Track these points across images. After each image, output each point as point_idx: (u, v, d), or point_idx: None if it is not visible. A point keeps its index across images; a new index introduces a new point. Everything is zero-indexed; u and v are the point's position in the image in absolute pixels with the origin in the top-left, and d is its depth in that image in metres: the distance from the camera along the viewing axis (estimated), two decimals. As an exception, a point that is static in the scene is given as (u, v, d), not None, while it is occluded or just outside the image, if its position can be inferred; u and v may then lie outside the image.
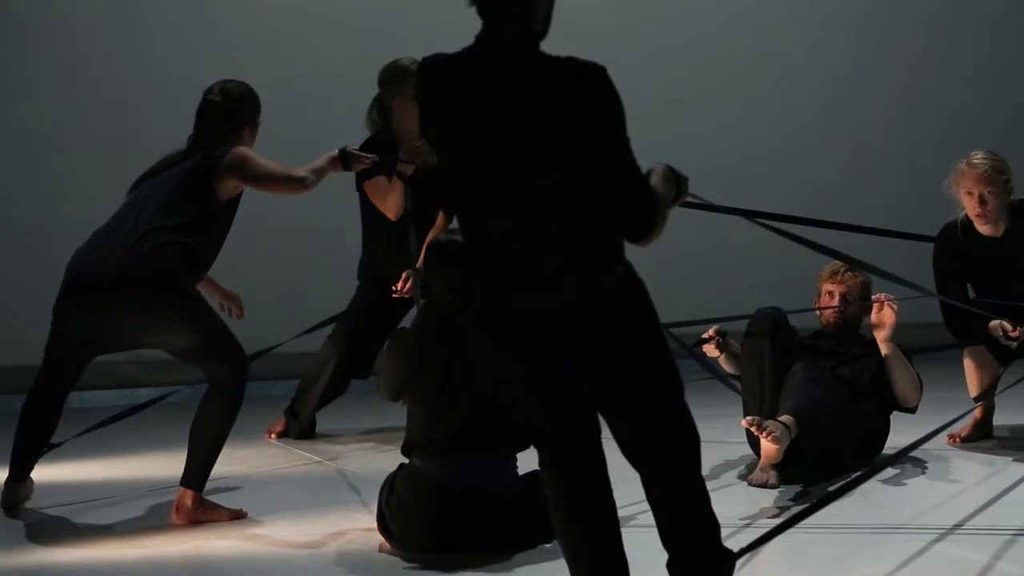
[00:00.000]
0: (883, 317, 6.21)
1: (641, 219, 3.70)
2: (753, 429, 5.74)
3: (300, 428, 7.38)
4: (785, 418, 5.82)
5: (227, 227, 5.74)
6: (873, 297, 6.28)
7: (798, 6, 10.18)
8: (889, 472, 6.03)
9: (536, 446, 3.90)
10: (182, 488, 5.53)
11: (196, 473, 5.53)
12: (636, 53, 9.53)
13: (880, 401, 6.26)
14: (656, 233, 3.73)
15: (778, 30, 10.11)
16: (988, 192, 6.46)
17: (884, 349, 6.22)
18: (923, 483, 5.95)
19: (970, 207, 6.53)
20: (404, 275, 6.81)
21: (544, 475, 3.89)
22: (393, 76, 7.04)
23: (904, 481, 5.96)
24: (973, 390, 6.78)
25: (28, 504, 5.87)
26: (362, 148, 6.80)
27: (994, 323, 6.43)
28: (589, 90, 3.59)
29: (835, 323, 6.43)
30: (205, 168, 5.62)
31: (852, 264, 6.37)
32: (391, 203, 6.92)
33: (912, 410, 6.32)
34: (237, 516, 5.58)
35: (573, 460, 3.85)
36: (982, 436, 6.80)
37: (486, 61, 3.68)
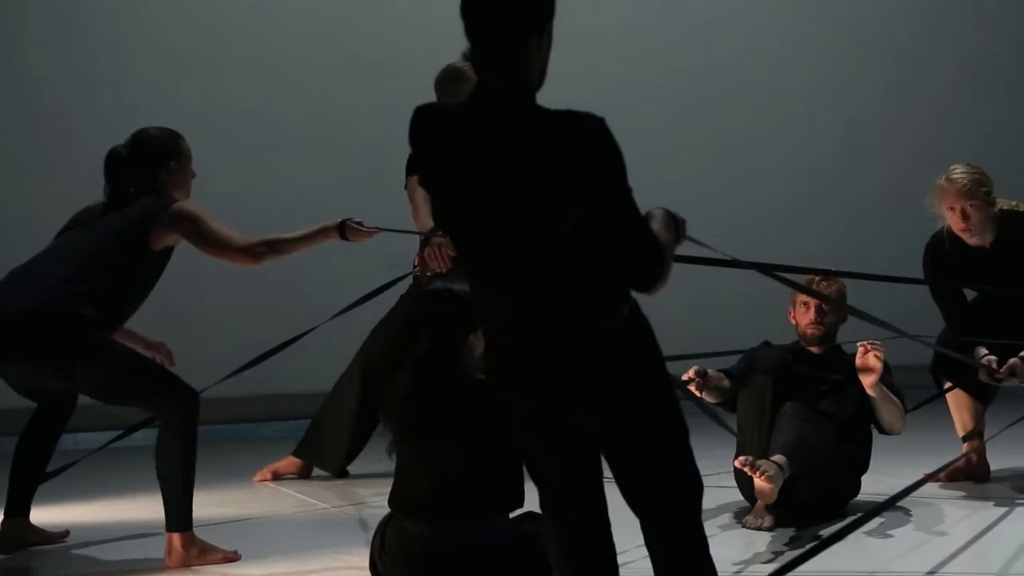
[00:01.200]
0: (868, 362, 6.10)
1: (648, 268, 3.69)
2: (746, 469, 5.73)
3: (335, 463, 7.28)
4: (778, 458, 5.80)
5: (156, 277, 5.69)
6: (858, 344, 6.18)
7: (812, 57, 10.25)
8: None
9: (537, 486, 3.89)
10: (169, 533, 5.51)
11: (175, 515, 5.50)
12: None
13: (864, 433, 6.23)
14: (663, 281, 3.71)
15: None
16: (970, 206, 6.44)
17: (871, 392, 6.17)
18: (907, 526, 5.93)
19: (954, 222, 6.51)
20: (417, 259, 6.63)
21: (544, 515, 3.89)
22: (449, 77, 6.93)
23: (888, 523, 5.94)
24: (960, 430, 6.80)
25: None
26: (410, 160, 6.82)
27: (983, 359, 6.38)
28: (588, 142, 3.58)
29: (813, 333, 6.33)
30: (142, 218, 5.57)
31: (856, 313, 6.31)
32: (420, 216, 6.68)
33: (897, 433, 6.31)
34: (230, 558, 5.56)
35: (573, 501, 3.84)
36: (978, 478, 6.79)
37: (482, 114, 3.67)
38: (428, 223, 6.52)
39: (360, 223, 5.79)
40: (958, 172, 6.49)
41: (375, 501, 6.39)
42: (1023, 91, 10.58)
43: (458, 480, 4.65)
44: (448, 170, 3.69)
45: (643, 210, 3.73)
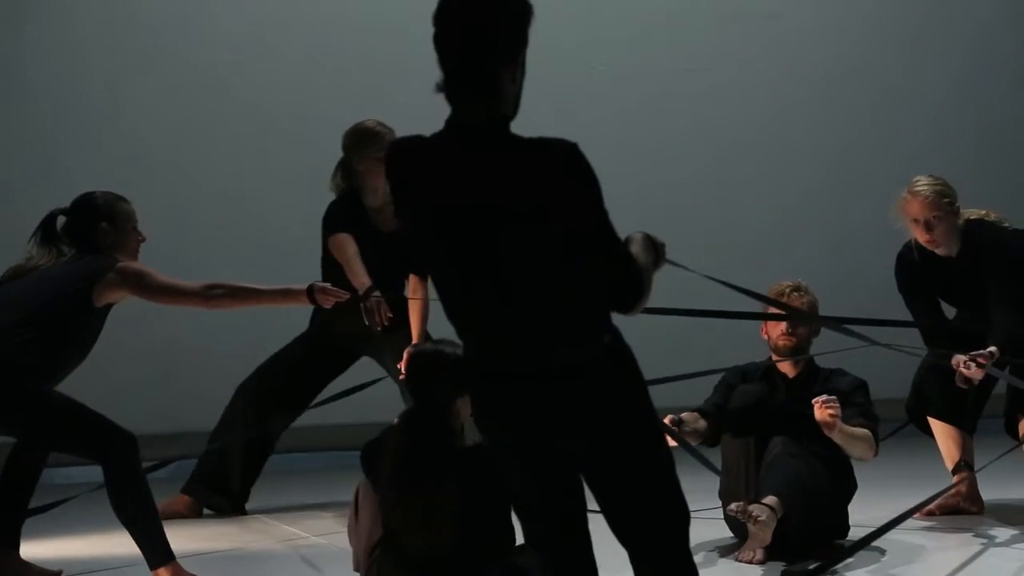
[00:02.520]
0: (823, 419, 5.89)
1: (627, 291, 3.71)
2: (740, 517, 5.67)
3: (233, 499, 7.26)
4: (770, 499, 5.76)
5: (97, 333, 5.72)
6: (813, 400, 5.96)
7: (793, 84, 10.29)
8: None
9: (521, 520, 3.89)
10: (154, 570, 5.52)
11: (153, 554, 5.51)
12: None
13: (848, 460, 6.14)
14: (643, 303, 3.73)
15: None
16: (934, 217, 6.43)
17: (834, 438, 5.98)
18: (898, 561, 5.91)
19: (919, 235, 6.51)
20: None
21: (529, 548, 3.89)
22: (359, 139, 7.02)
23: (879, 558, 5.92)
24: (948, 462, 6.79)
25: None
26: (330, 210, 6.96)
27: (956, 359, 6.35)
28: (562, 168, 3.59)
29: (785, 345, 6.26)
30: (86, 273, 5.61)
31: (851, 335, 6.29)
32: (355, 272, 6.73)
33: (867, 460, 6.22)
34: None
35: (558, 534, 3.83)
36: (971, 511, 6.77)
37: (457, 145, 3.67)
38: (364, 280, 6.62)
39: (328, 286, 5.87)
40: (921, 184, 6.49)
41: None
42: (1017, 107, 10.59)
43: (454, 539, 4.63)
44: (425, 201, 3.69)
45: (624, 233, 3.74)
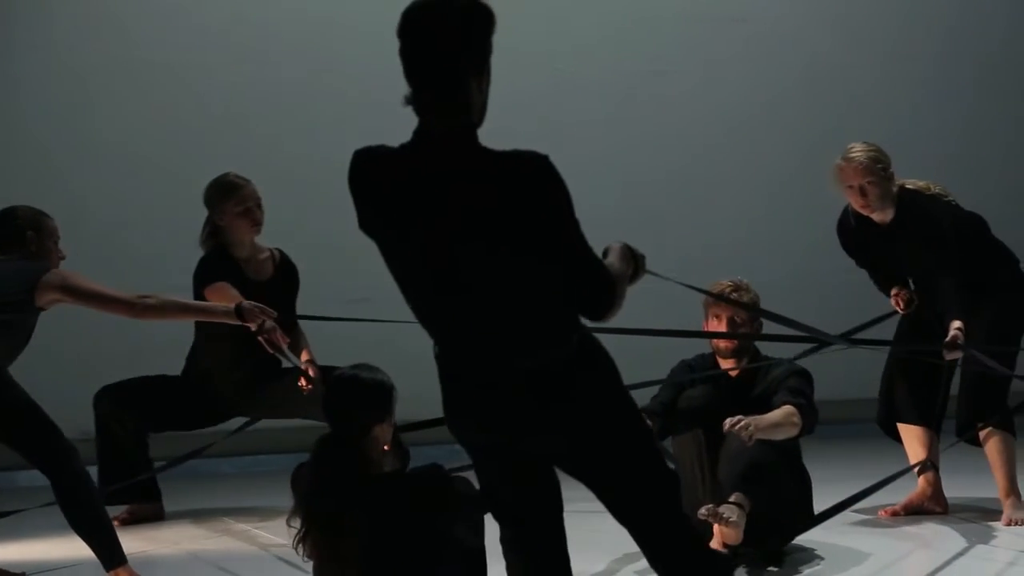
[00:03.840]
0: (743, 438, 5.73)
1: (598, 299, 3.75)
2: (711, 519, 5.66)
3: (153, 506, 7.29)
4: (737, 497, 5.76)
5: (31, 332, 5.74)
6: (725, 429, 5.80)
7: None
8: (830, 543, 6.10)
9: (497, 521, 3.94)
10: (113, 571, 5.52)
11: (111, 553, 5.52)
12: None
13: (795, 447, 6.11)
14: (615, 310, 3.78)
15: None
16: (868, 183, 6.48)
17: (760, 438, 5.81)
18: (861, 559, 5.93)
19: (853, 200, 6.57)
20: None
21: (505, 551, 3.94)
22: (218, 194, 7.09)
23: (841, 557, 5.96)
24: (913, 460, 6.83)
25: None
26: (200, 266, 7.04)
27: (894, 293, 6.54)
28: (533, 180, 3.62)
29: (727, 346, 6.22)
30: (26, 274, 5.64)
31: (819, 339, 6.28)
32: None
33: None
34: None
35: (533, 536, 3.90)
36: (935, 511, 6.80)
37: (425, 156, 3.68)
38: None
39: (256, 304, 5.92)
40: (855, 151, 6.54)
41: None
42: (988, 108, 10.64)
43: (362, 571, 4.49)
44: (393, 213, 3.71)
45: (599, 241, 3.79)
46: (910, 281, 6.82)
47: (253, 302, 5.97)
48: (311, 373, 6.77)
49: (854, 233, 6.76)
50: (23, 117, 9.08)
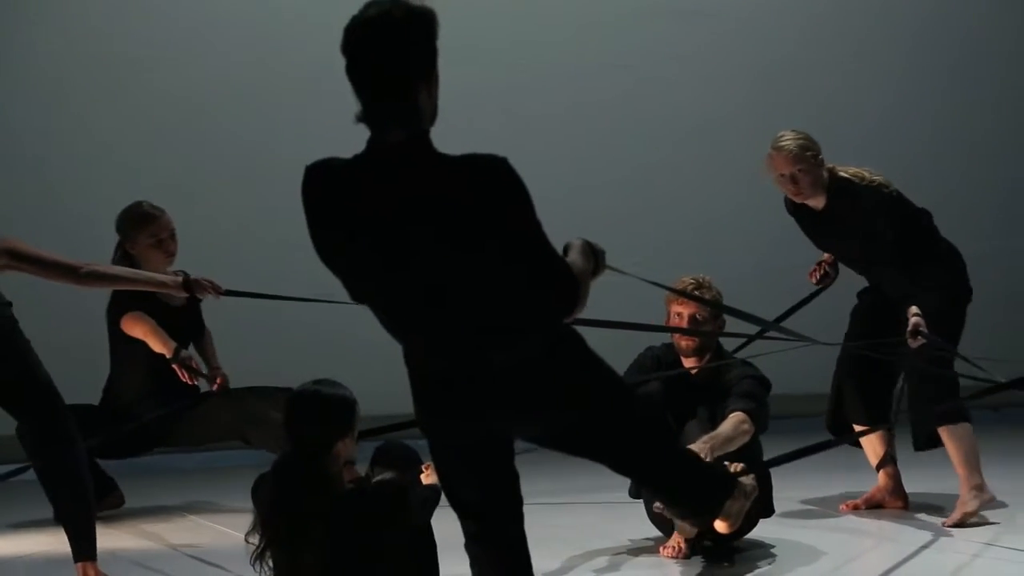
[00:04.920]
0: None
1: (563, 297, 3.80)
2: (666, 513, 5.63)
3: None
4: None
5: None
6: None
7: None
8: (790, 539, 6.13)
9: (460, 517, 4.01)
10: (84, 563, 5.46)
11: (82, 544, 5.46)
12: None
13: (754, 441, 6.07)
14: (579, 308, 3.83)
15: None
16: (798, 171, 6.50)
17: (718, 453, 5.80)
18: (823, 555, 5.93)
19: (785, 188, 6.60)
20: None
21: (468, 546, 4.00)
22: (131, 224, 7.07)
23: (805, 552, 5.97)
24: (872, 459, 6.86)
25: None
26: (114, 295, 7.03)
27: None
28: (493, 184, 3.65)
29: (688, 345, 6.19)
30: None
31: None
32: (160, 340, 6.87)
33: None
34: None
35: (495, 529, 3.97)
36: (895, 505, 6.83)
37: (382, 167, 3.71)
38: (170, 343, 6.83)
39: (203, 279, 5.91)
40: (784, 139, 6.55)
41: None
42: (961, 104, 10.69)
43: None
44: (355, 224, 3.73)
45: (559, 237, 3.84)
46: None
47: (202, 278, 5.93)
48: (219, 381, 6.96)
49: (796, 218, 6.80)
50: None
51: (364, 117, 3.71)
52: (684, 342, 6.20)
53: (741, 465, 5.52)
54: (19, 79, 9.11)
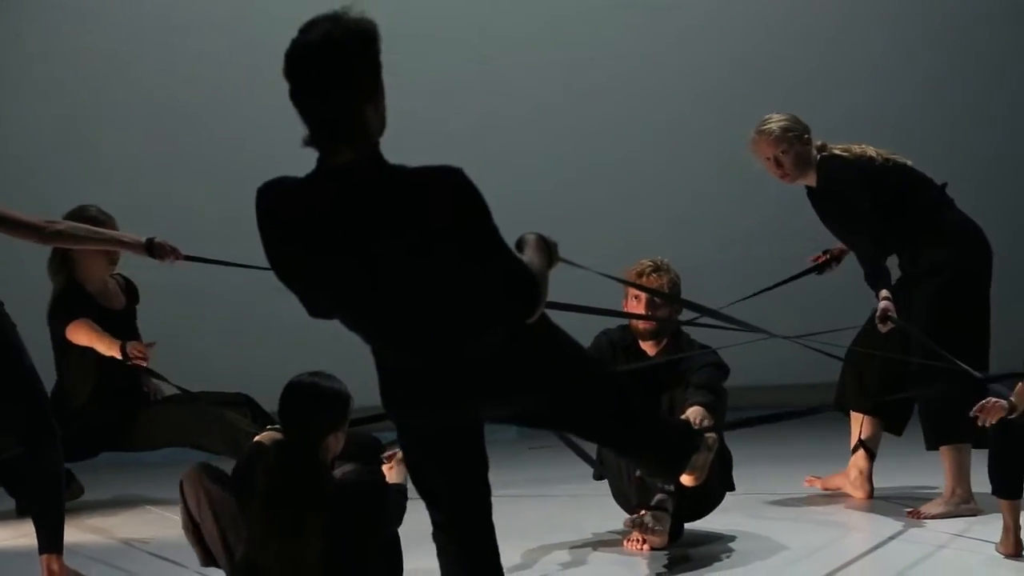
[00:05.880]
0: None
1: (524, 301, 3.85)
2: (637, 531, 5.71)
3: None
4: (660, 499, 5.75)
5: None
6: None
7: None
8: (759, 531, 6.15)
9: (429, 507, 4.01)
10: (50, 555, 5.40)
11: (50, 538, 5.41)
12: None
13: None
14: (539, 307, 3.87)
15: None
16: (781, 153, 6.48)
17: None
18: (785, 544, 5.95)
19: (771, 171, 6.58)
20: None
21: (436, 536, 4.02)
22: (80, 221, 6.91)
23: (765, 542, 5.98)
24: (853, 440, 6.85)
25: None
26: (55, 304, 7.00)
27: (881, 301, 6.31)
28: (447, 196, 3.67)
29: (645, 328, 6.14)
30: None
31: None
32: (105, 343, 6.85)
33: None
34: None
35: (464, 521, 3.99)
36: (852, 495, 6.83)
37: (335, 186, 3.70)
38: (114, 342, 6.82)
39: (167, 242, 5.85)
40: (767, 123, 6.53)
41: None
42: (934, 98, 10.67)
43: None
44: (313, 243, 3.73)
45: (512, 233, 3.87)
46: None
47: (166, 242, 5.87)
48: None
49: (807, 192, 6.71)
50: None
51: (312, 141, 3.70)
52: (642, 324, 6.14)
53: (706, 421, 5.56)
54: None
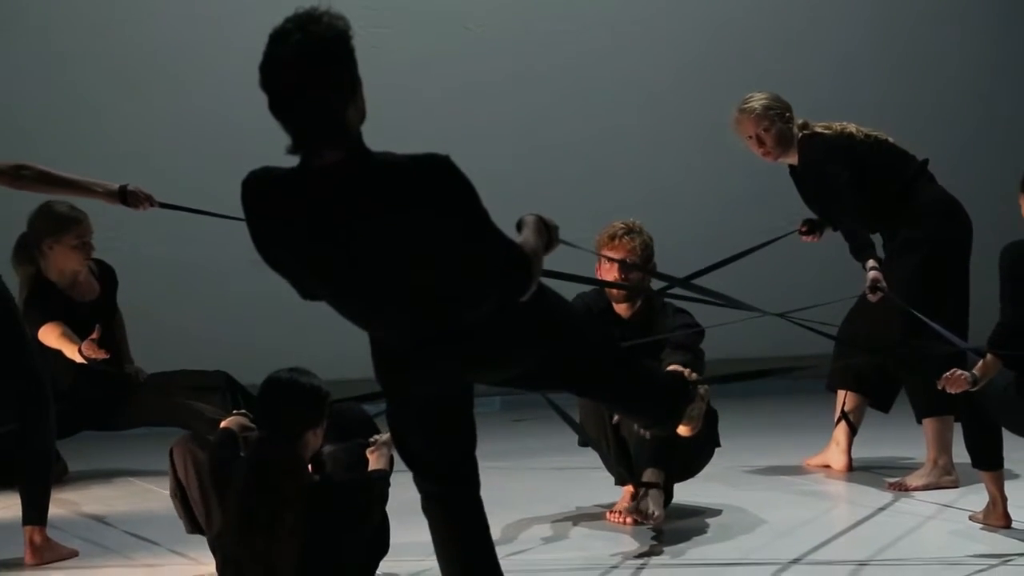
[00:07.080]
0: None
1: (517, 281, 3.87)
2: (639, 519, 5.68)
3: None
4: (650, 475, 5.72)
5: None
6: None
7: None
8: (743, 504, 6.16)
9: (418, 478, 4.06)
10: (32, 527, 5.42)
11: (35, 510, 5.43)
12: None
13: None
14: (532, 285, 3.90)
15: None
16: (763, 131, 6.52)
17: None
18: (770, 517, 5.96)
19: (753, 149, 6.62)
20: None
21: (426, 507, 4.07)
22: (55, 225, 6.94)
23: (749, 516, 5.99)
24: (837, 413, 6.92)
25: None
26: (28, 306, 6.84)
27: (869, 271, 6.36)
28: (437, 185, 3.67)
29: (619, 291, 6.07)
30: None
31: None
32: (70, 347, 6.74)
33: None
34: (71, 555, 5.52)
35: (455, 493, 4.04)
36: (838, 468, 6.88)
37: (324, 181, 3.69)
38: (76, 346, 6.68)
39: (140, 189, 5.71)
40: (748, 101, 6.57)
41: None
42: (905, 85, 10.68)
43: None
44: (303, 234, 3.74)
45: (513, 206, 4.00)
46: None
47: (140, 188, 5.74)
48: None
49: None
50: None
51: (295, 149, 3.68)
52: (615, 288, 6.08)
53: (694, 374, 5.53)
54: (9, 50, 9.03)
